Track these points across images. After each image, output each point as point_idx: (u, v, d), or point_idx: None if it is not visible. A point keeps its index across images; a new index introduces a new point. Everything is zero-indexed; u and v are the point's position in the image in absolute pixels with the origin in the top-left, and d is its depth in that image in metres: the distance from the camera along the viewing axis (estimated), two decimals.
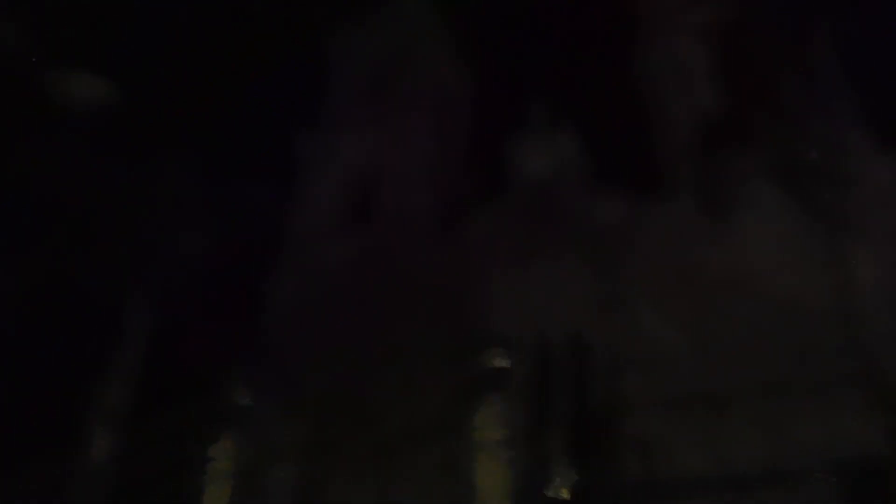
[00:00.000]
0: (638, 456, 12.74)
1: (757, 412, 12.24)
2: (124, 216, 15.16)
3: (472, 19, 23.19)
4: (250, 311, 16.67)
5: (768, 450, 11.84)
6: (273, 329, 17.22)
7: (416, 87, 22.05)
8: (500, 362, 12.49)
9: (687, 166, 15.53)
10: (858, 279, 12.27)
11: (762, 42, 15.42)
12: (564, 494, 12.16)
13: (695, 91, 16.66)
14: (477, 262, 16.81)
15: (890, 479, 10.75)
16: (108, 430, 12.44)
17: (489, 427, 11.91)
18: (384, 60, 23.13)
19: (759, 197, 13.98)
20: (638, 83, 18.39)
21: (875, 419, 11.14)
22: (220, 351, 14.80)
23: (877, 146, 14.19)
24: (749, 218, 13.85)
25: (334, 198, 20.36)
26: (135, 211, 15.29)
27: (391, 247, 18.36)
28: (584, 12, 20.29)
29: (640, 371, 13.55)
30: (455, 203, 19.36)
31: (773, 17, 15.62)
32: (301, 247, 19.34)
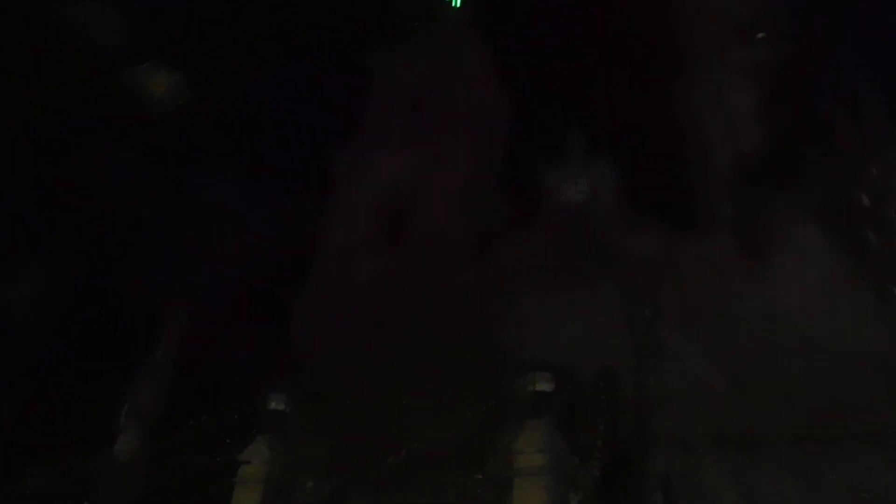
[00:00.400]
0: (664, 494, 12.58)
1: (789, 458, 12.01)
2: (166, 220, 15.37)
3: (513, 44, 23.33)
4: (280, 324, 16.72)
5: (798, 497, 11.61)
6: (301, 343, 17.28)
7: (453, 110, 22.22)
8: (543, 386, 12.25)
9: (727, 203, 15.42)
10: None
11: (816, 81, 15.32)
12: None
13: (737, 128, 16.60)
14: (509, 289, 16.81)
15: None
16: (137, 433, 12.55)
17: (530, 452, 11.60)
18: (423, 81, 23.36)
19: (803, 239, 13.83)
20: (678, 117, 18.37)
21: None
22: (251, 359, 14.84)
23: None
24: (790, 259, 13.69)
25: (367, 216, 20.51)
26: (177, 216, 15.50)
27: (422, 268, 18.41)
28: (627, 43, 20.32)
29: (670, 407, 13.43)
30: (489, 228, 19.38)
31: (829, 57, 15.52)
32: (331, 263, 19.47)
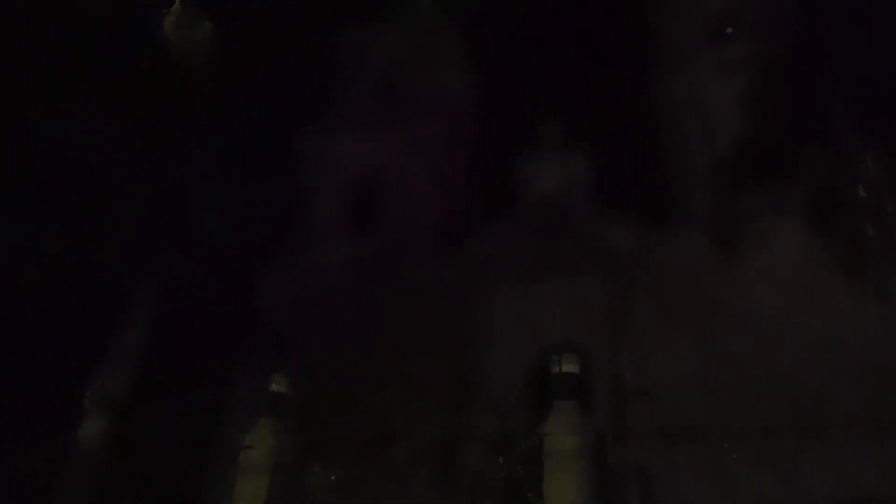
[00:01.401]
0: (637, 485, 12.69)
1: (762, 451, 12.25)
2: (143, 195, 14.74)
3: (486, 31, 23.12)
4: (253, 304, 16.33)
5: (772, 489, 11.87)
6: (273, 325, 16.91)
7: (424, 94, 21.91)
8: (570, 367, 12.10)
9: (705, 197, 15.60)
10: None
11: (808, 74, 15.50)
12: None
13: (716, 124, 16.77)
14: (482, 277, 16.75)
15: None
16: (105, 416, 12.04)
17: (561, 434, 11.37)
18: (393, 64, 23.01)
19: (781, 232, 14.06)
20: (655, 110, 18.50)
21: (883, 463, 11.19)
22: (221, 343, 14.42)
23: None
24: (770, 253, 13.92)
25: (336, 199, 20.14)
26: (154, 191, 14.88)
27: (394, 253, 18.19)
28: (604, 35, 20.34)
29: (644, 399, 13.57)
30: (462, 215, 19.25)
31: (821, 48, 15.70)
32: (301, 244, 19.10)
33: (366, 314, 16.77)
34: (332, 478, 12.40)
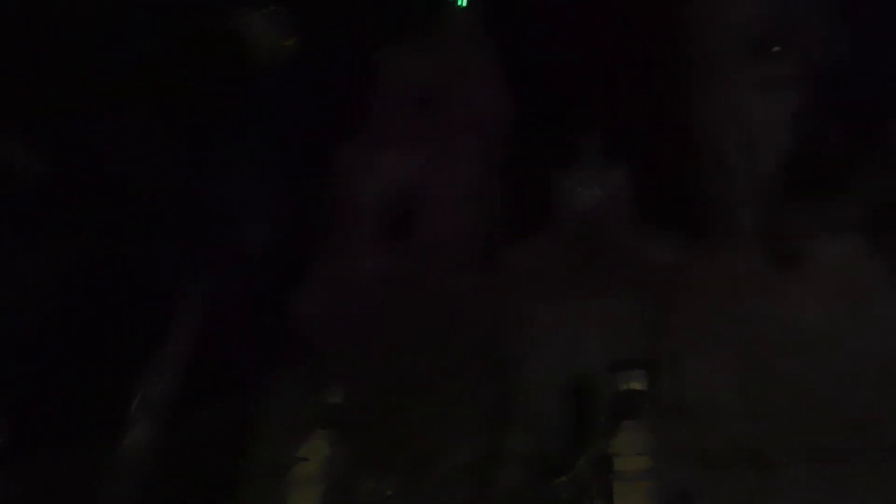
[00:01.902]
0: None
1: (803, 476, 11.94)
2: (189, 203, 14.98)
3: (524, 47, 23.26)
4: (291, 317, 16.45)
5: None
6: (309, 338, 16.98)
7: (462, 111, 21.93)
8: (637, 384, 11.89)
9: (747, 214, 15.42)
10: None
11: (860, 89, 15.31)
12: None
13: (759, 141, 16.60)
14: (518, 294, 16.66)
15: None
16: (150, 421, 12.16)
17: (629, 455, 11.19)
18: (432, 81, 23.09)
19: (829, 249, 13.83)
20: (696, 129, 18.40)
21: None
22: (259, 352, 14.55)
23: None
24: (816, 271, 13.70)
25: (372, 212, 20.21)
26: (200, 199, 15.10)
27: (427, 267, 18.15)
28: (645, 51, 20.32)
29: (683, 420, 13.26)
30: (498, 231, 19.26)
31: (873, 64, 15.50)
32: (338, 257, 19.20)
33: (401, 328, 16.81)
34: (388, 493, 12.32)
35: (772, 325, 13.43)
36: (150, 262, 13.66)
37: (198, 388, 13.33)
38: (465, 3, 25.83)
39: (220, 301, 14.23)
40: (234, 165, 17.00)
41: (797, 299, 13.57)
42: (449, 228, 19.13)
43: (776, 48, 18.48)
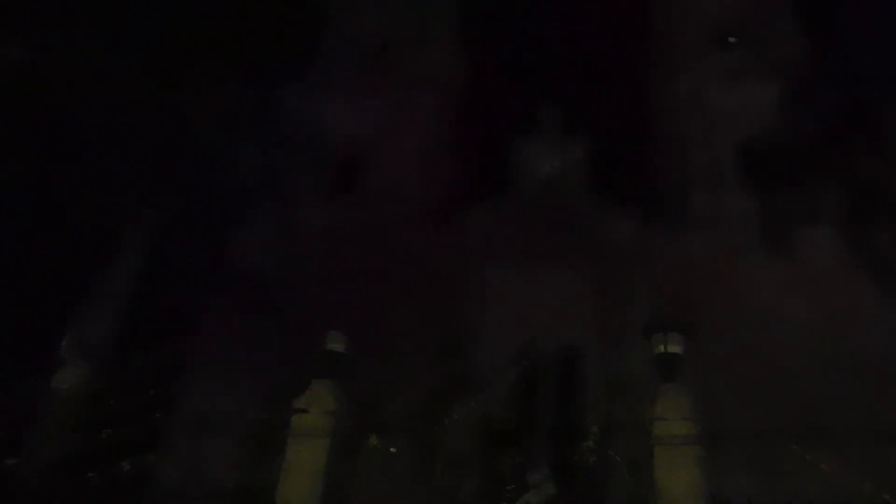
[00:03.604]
0: (623, 479, 12.58)
1: (750, 453, 12.34)
2: (128, 133, 13.72)
3: (488, 7, 22.71)
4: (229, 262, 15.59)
5: (758, 489, 11.97)
6: (249, 287, 16.17)
7: (416, 66, 21.24)
8: (674, 348, 11.52)
9: (704, 197, 15.73)
10: None
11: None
12: None
13: (714, 129, 16.90)
14: (474, 258, 16.41)
15: None
16: (83, 365, 11.18)
17: (672, 420, 10.81)
18: (386, 32, 22.28)
19: (785, 240, 14.26)
20: (655, 112, 18.56)
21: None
22: (196, 297, 13.70)
23: None
24: (772, 259, 14.12)
25: (320, 161, 19.44)
26: (141, 130, 13.86)
27: (379, 223, 17.59)
28: (608, 29, 20.20)
29: (633, 394, 13.41)
30: (453, 194, 18.86)
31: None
32: (282, 206, 18.38)
33: (346, 285, 16.26)
34: (392, 450, 11.80)
35: (725, 306, 13.71)
36: (91, 193, 12.48)
37: (134, 331, 12.38)
38: None
39: (162, 241, 13.26)
40: (177, 102, 15.82)
41: (749, 283, 13.94)
42: (399, 184, 18.61)
43: (732, 39, 18.82)
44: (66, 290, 11.77)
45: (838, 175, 14.34)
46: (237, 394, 13.76)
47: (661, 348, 11.73)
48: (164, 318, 12.73)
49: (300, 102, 20.22)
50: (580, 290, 15.39)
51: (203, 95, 16.32)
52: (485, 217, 17.17)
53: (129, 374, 11.54)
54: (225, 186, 15.96)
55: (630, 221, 16.03)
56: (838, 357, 12.63)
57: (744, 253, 14.41)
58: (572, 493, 12.32)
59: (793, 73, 16.84)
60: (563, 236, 16.13)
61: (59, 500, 10.62)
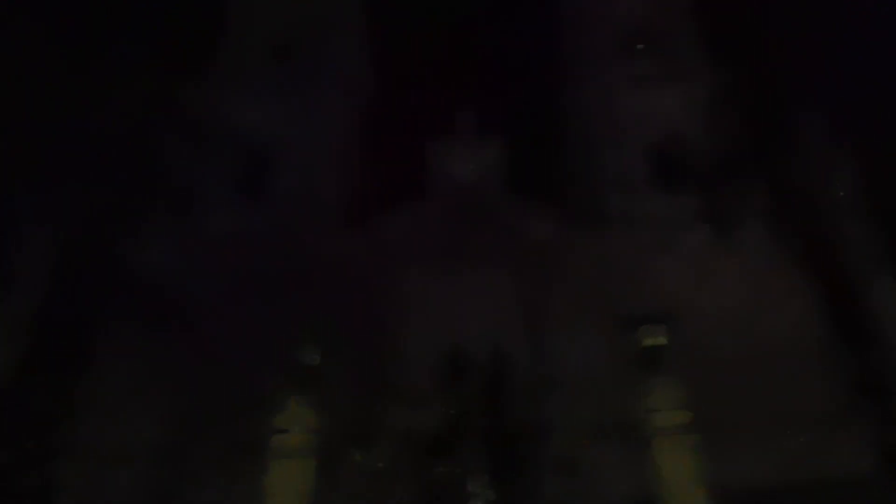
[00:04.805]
0: (560, 479, 12.69)
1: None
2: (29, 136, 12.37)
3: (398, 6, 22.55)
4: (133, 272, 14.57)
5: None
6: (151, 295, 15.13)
7: (323, 66, 20.62)
8: (656, 340, 11.65)
9: (616, 198, 16.26)
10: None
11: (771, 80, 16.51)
12: None
13: (625, 133, 17.47)
14: (391, 260, 16.14)
15: None
16: None
17: (667, 410, 11.04)
18: (291, 29, 21.57)
19: (694, 240, 15.01)
20: (567, 117, 19.01)
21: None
22: (99, 309, 12.69)
23: None
24: (684, 258, 14.79)
25: (225, 164, 18.50)
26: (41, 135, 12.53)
27: (287, 226, 16.94)
28: (521, 36, 20.52)
29: (564, 393, 13.54)
30: (368, 196, 18.49)
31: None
32: (188, 208, 17.39)
33: (257, 291, 15.58)
34: (379, 465, 11.16)
35: (648, 303, 14.13)
36: None
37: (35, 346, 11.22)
38: None
39: (64, 252, 12.08)
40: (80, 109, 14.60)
41: (673, 279, 14.51)
42: (310, 187, 18.00)
43: (640, 46, 19.53)
44: None
45: (748, 175, 15.23)
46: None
47: (645, 341, 12.60)
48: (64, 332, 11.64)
49: (205, 101, 19.21)
50: (504, 291, 15.54)
51: (103, 93, 15.17)
52: (403, 220, 16.91)
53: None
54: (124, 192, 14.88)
55: (549, 222, 16.27)
56: (745, 348, 13.44)
57: (657, 251, 15.01)
58: (512, 498, 12.42)
59: (698, 78, 17.72)
60: (484, 238, 16.21)
61: None
